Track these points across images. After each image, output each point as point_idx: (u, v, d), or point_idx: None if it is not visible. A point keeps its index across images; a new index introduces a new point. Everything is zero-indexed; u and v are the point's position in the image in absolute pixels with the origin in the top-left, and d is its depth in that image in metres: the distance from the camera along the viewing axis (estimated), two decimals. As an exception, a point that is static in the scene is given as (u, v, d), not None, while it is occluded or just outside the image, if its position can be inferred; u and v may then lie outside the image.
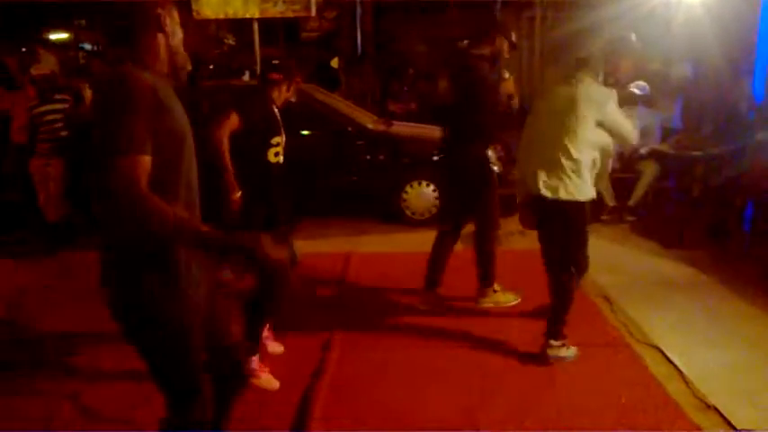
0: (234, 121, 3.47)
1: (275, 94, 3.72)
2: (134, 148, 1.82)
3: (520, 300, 4.62)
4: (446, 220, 4.72)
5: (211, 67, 11.99)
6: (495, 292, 4.61)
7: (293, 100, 3.94)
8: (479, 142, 4.38)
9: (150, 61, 2.04)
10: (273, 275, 3.50)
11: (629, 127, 3.64)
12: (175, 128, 1.98)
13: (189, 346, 2.14)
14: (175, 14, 2.14)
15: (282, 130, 3.72)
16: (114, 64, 2.01)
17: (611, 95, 3.53)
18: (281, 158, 3.71)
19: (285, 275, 3.53)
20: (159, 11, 2.06)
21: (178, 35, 2.14)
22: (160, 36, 2.07)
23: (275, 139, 3.66)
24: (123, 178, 1.80)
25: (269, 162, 3.63)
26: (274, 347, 4.00)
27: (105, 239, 2.05)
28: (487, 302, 4.59)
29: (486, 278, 4.59)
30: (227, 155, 3.48)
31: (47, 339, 4.23)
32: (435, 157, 6.34)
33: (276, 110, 3.71)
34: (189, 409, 2.20)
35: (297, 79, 3.88)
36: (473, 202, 4.47)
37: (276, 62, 3.80)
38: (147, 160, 1.84)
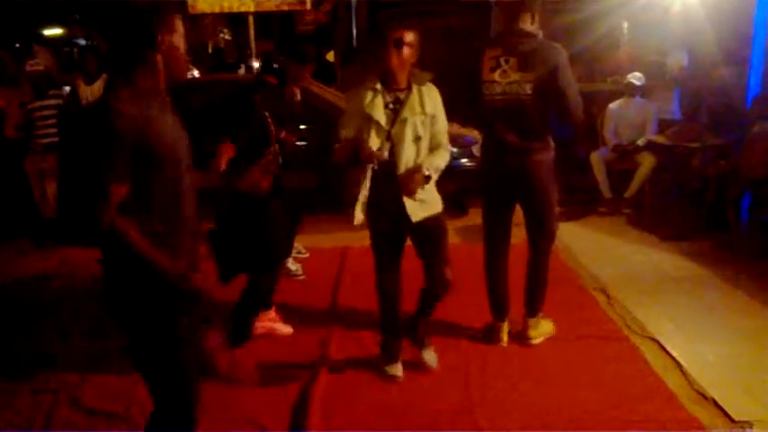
0: (228, 151, 3.52)
1: (270, 99, 3.75)
2: (106, 178, 1.91)
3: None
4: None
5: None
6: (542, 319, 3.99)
7: (297, 98, 3.97)
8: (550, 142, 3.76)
9: (144, 82, 2.02)
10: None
11: None
12: (161, 153, 2.00)
13: (183, 358, 2.16)
14: (177, 26, 2.08)
15: (274, 139, 3.75)
16: (106, 91, 2.03)
17: None
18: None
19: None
20: (155, 28, 2.00)
21: (179, 48, 2.08)
22: (155, 55, 2.02)
23: (269, 150, 3.72)
24: (96, 207, 1.92)
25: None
26: (283, 329, 4.08)
27: (102, 254, 2.09)
28: (540, 335, 3.95)
29: (537, 303, 3.93)
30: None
31: (43, 336, 4.22)
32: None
33: (269, 118, 3.72)
34: (178, 417, 2.23)
35: (304, 75, 3.92)
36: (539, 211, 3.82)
37: (276, 65, 3.79)
38: (119, 190, 1.93)
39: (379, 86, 3.28)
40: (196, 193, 2.20)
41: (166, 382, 2.19)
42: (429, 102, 3.32)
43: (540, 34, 3.62)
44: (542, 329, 3.96)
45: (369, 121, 3.27)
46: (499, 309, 3.95)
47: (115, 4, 2.05)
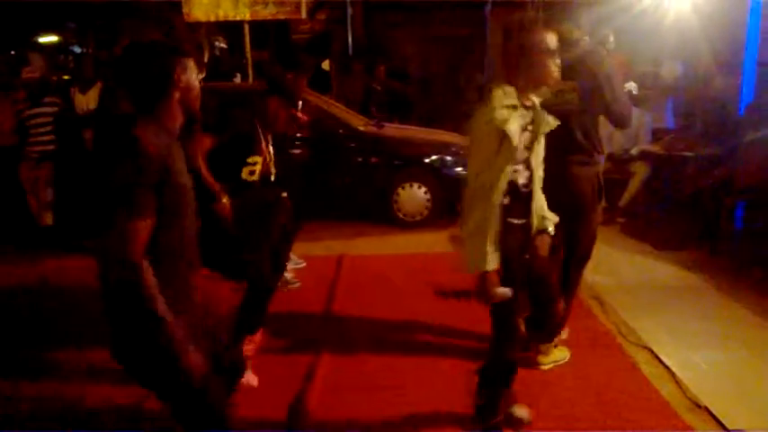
0: (206, 142, 3.52)
1: (270, 113, 3.77)
2: (137, 212, 1.89)
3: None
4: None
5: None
6: (555, 347, 3.80)
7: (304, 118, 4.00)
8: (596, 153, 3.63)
9: (164, 120, 2.08)
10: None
11: None
12: (179, 186, 2.04)
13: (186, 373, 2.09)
14: (191, 67, 2.14)
15: (264, 148, 3.77)
16: (127, 123, 2.04)
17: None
18: (256, 177, 3.76)
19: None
20: (173, 70, 2.07)
21: (194, 89, 2.15)
22: (174, 94, 2.09)
23: (252, 158, 3.72)
24: (122, 240, 1.87)
25: (242, 180, 3.70)
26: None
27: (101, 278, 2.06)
28: (550, 362, 3.76)
29: (555, 329, 3.76)
30: (204, 171, 3.53)
31: (39, 343, 4.20)
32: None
33: (260, 128, 3.76)
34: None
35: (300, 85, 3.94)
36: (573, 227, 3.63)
37: (289, 77, 3.84)
38: (148, 223, 1.92)
39: (517, 103, 2.60)
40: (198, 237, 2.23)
41: (189, 406, 2.18)
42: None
43: (586, 40, 3.45)
44: (553, 356, 3.75)
45: (503, 145, 2.55)
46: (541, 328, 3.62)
47: (133, 46, 2.15)
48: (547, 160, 2.92)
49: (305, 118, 4.12)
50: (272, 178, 3.94)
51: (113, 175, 1.93)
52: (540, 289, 3.22)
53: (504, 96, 2.58)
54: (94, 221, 2.03)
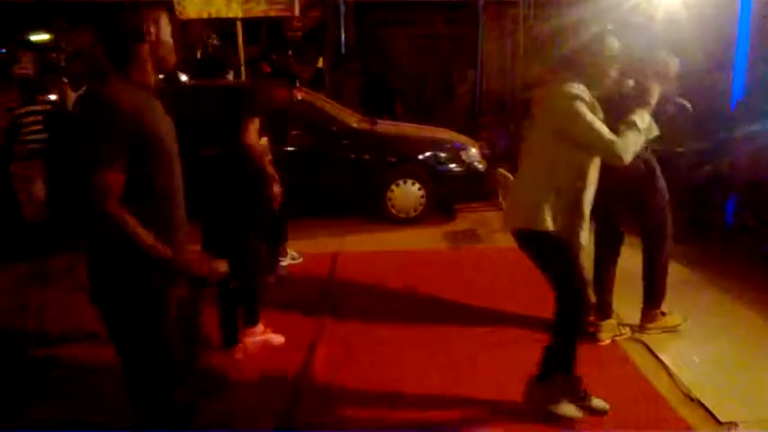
0: (257, 124, 3.72)
1: (273, 93, 4.10)
2: (107, 165, 1.97)
3: (687, 321, 4.11)
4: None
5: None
6: (662, 315, 4.11)
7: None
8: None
9: (135, 74, 2.11)
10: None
11: (604, 138, 2.86)
12: (155, 142, 2.07)
13: (162, 343, 2.18)
14: (163, 22, 2.16)
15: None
16: (99, 79, 2.09)
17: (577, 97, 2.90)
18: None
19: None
20: (142, 23, 2.09)
21: (166, 43, 2.16)
22: (144, 47, 2.11)
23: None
24: (96, 192, 1.96)
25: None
26: (275, 339, 4.06)
27: (89, 239, 2.14)
28: (655, 328, 4.06)
29: (653, 299, 4.09)
30: (258, 155, 3.77)
31: (28, 342, 4.19)
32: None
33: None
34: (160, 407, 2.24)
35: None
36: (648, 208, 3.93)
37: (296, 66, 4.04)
38: (119, 177, 1.98)
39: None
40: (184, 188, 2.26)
41: (145, 365, 2.21)
42: None
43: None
44: (661, 323, 4.05)
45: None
46: (601, 308, 4.02)
47: (103, 3, 2.17)
48: None
49: (302, 92, 4.37)
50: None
51: (85, 132, 2.02)
52: None
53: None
54: (85, 217, 2.04)
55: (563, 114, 2.90)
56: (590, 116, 2.86)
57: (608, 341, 3.98)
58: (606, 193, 3.32)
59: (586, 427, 3.10)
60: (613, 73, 2.97)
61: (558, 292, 3.06)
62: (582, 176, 2.98)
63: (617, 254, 4.10)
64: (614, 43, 2.94)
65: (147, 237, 2.01)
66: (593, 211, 3.14)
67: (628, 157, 2.86)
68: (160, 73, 2.21)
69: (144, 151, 2.03)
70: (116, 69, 2.09)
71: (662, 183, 3.92)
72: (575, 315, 3.07)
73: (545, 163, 3.00)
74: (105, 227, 2.00)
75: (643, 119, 2.91)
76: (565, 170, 2.96)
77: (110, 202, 1.96)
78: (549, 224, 2.94)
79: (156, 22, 2.12)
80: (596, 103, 2.93)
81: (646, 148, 3.47)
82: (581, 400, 3.15)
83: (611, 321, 4.07)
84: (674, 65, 3.70)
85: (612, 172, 3.15)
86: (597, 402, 3.17)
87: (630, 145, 2.86)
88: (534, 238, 3.04)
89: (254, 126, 3.70)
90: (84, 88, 6.43)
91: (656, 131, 3.00)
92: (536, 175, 3.05)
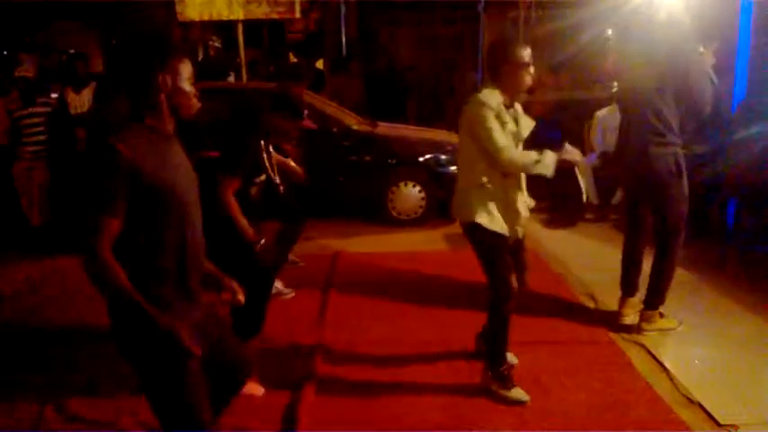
0: (236, 183, 3.67)
1: (280, 128, 3.94)
2: (102, 208, 2.01)
3: (681, 325, 4.16)
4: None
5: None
6: (661, 316, 4.15)
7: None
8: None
9: (150, 121, 2.13)
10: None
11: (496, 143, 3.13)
12: (159, 190, 2.08)
13: (184, 379, 2.15)
14: (183, 68, 2.15)
15: (268, 164, 3.93)
16: (108, 129, 2.15)
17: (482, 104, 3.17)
18: (258, 193, 3.92)
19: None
20: (159, 74, 2.10)
21: (184, 92, 2.15)
22: (160, 97, 2.12)
23: (259, 179, 3.87)
24: (89, 232, 2.00)
25: (248, 197, 3.82)
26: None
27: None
28: (651, 330, 4.11)
29: (653, 300, 4.12)
30: (236, 213, 3.66)
31: (31, 345, 4.20)
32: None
33: (262, 144, 3.88)
34: None
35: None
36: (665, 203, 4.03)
37: (297, 91, 4.00)
38: (114, 222, 2.01)
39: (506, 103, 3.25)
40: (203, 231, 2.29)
41: (171, 410, 2.21)
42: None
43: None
44: (659, 324, 4.11)
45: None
46: (627, 285, 4.28)
47: (120, 42, 2.19)
48: (628, 142, 4.02)
49: (313, 126, 4.21)
50: (279, 187, 4.09)
51: (89, 177, 2.05)
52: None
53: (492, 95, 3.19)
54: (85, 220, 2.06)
55: (472, 119, 3.19)
56: (490, 122, 3.13)
57: (631, 317, 4.20)
58: (633, 184, 4.05)
59: (584, 429, 3.11)
60: (528, 79, 3.20)
61: (488, 280, 3.36)
62: (498, 173, 3.24)
63: (646, 239, 4.29)
64: (523, 51, 3.19)
65: (124, 287, 2.01)
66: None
67: (510, 168, 3.21)
68: (178, 119, 2.19)
69: (148, 201, 2.05)
70: (132, 115, 2.12)
71: (686, 188, 4.00)
72: (501, 301, 3.33)
73: (467, 161, 3.31)
74: (88, 267, 2.02)
75: (545, 158, 3.16)
76: (482, 168, 3.23)
77: (99, 245, 1.99)
78: (476, 216, 3.24)
79: (172, 70, 2.12)
80: (503, 110, 3.19)
81: (682, 147, 3.92)
82: (506, 387, 3.38)
83: (635, 299, 4.24)
84: (709, 58, 4.02)
85: (641, 165, 3.83)
86: (518, 393, 3.37)
87: (518, 162, 3.18)
88: (468, 229, 3.35)
89: (231, 186, 3.65)
90: (83, 90, 6.45)
91: (545, 172, 3.17)
92: (462, 172, 3.40)
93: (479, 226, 3.24)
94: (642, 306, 4.17)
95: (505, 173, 3.25)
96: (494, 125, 3.12)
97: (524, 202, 3.42)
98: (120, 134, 2.06)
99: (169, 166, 2.13)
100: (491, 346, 3.47)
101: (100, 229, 2.00)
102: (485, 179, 3.22)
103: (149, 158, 2.05)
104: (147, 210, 2.06)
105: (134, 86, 2.12)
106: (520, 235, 3.44)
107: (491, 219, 3.24)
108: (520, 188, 3.38)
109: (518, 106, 3.36)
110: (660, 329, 4.10)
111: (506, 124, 3.19)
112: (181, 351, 2.04)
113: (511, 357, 3.58)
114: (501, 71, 3.20)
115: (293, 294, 4.93)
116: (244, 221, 3.67)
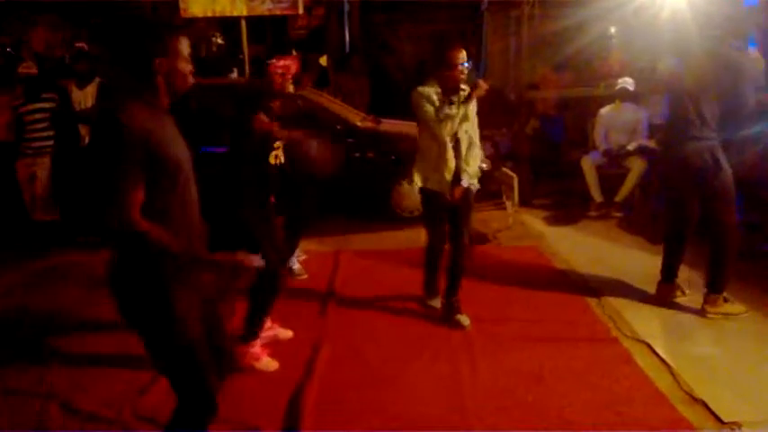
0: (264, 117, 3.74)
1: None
2: (125, 183, 2.06)
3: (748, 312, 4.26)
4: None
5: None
6: (725, 301, 4.29)
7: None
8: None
9: (148, 97, 2.19)
10: (265, 278, 3.65)
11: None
12: (167, 162, 2.14)
13: (192, 345, 2.25)
14: (182, 46, 2.22)
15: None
16: (112, 99, 2.20)
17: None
18: (281, 159, 3.92)
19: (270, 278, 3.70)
20: (155, 59, 2.16)
21: (181, 70, 2.22)
22: (159, 78, 2.19)
23: (276, 143, 3.87)
24: (119, 210, 2.05)
25: (269, 164, 3.85)
26: (283, 333, 4.11)
27: (109, 244, 2.22)
28: (716, 313, 4.25)
29: (717, 283, 4.27)
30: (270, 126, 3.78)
31: (35, 340, 4.21)
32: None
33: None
34: (197, 411, 2.31)
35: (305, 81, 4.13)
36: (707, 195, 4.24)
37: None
38: (138, 193, 2.08)
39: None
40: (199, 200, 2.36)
41: (177, 366, 2.28)
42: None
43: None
44: (723, 309, 4.25)
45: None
46: (669, 271, 4.54)
47: (114, 23, 2.23)
48: (666, 137, 4.57)
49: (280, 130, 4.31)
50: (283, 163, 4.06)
51: (102, 157, 2.10)
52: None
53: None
54: (90, 216, 2.09)
55: (413, 104, 4.13)
56: (424, 106, 4.06)
57: (670, 300, 4.48)
58: (677, 178, 4.30)
59: (587, 427, 3.10)
60: (458, 76, 4.00)
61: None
62: (434, 143, 4.14)
63: (688, 230, 4.48)
64: (458, 55, 3.96)
65: (171, 239, 2.12)
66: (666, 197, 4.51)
67: (436, 130, 4.09)
68: (173, 97, 2.26)
69: (156, 171, 2.10)
70: (130, 92, 2.17)
71: (728, 174, 4.18)
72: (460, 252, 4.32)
73: (418, 139, 4.28)
74: (130, 238, 2.09)
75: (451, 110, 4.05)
76: (423, 141, 4.23)
77: (132, 216, 2.05)
78: (418, 182, 4.31)
79: (169, 52, 2.18)
80: (436, 98, 4.06)
81: (712, 138, 4.12)
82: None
83: (673, 284, 4.51)
84: (670, 66, 4.43)
85: (679, 161, 4.18)
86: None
87: (445, 128, 4.07)
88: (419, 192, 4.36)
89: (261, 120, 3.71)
90: (86, 86, 6.45)
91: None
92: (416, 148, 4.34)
93: (423, 189, 4.31)
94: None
95: (434, 143, 4.10)
96: (426, 108, 4.06)
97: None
98: (125, 109, 2.11)
99: (169, 136, 2.21)
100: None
101: (127, 202, 2.05)
102: (422, 149, 4.21)
103: (154, 130, 2.11)
104: (156, 179, 2.12)
105: (131, 70, 2.19)
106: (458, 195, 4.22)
107: (438, 182, 4.19)
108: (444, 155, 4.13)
109: (462, 95, 4.07)
110: (726, 314, 4.22)
111: (442, 106, 4.04)
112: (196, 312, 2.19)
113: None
114: (437, 70, 4.05)
115: (306, 276, 5.18)
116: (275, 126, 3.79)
